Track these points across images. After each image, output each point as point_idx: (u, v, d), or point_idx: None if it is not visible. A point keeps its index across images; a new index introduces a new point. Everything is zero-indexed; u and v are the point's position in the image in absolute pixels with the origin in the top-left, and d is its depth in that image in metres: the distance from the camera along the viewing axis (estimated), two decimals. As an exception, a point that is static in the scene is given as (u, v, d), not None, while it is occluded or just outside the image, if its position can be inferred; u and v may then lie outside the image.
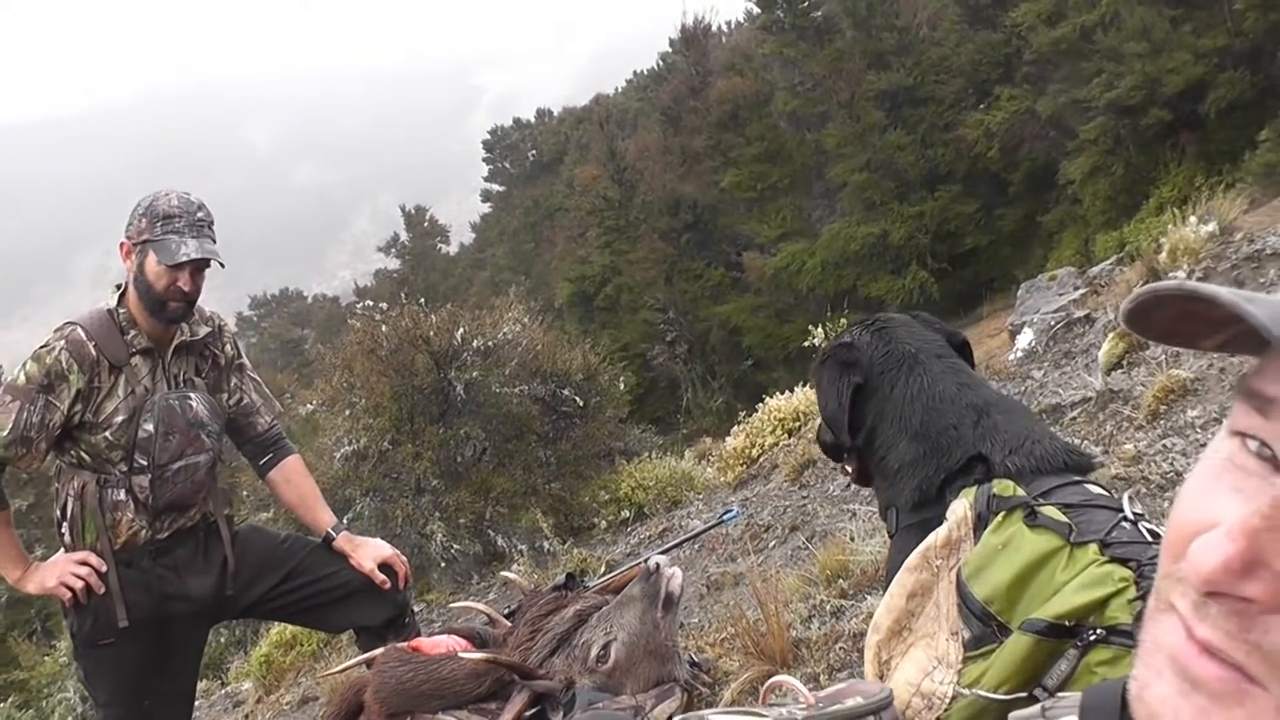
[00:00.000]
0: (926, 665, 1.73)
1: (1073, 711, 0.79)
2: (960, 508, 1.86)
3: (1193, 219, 6.40)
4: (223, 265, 3.07)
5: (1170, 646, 0.60)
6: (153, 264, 2.97)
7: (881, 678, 1.80)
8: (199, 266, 3.02)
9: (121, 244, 3.05)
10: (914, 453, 2.11)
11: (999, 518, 1.77)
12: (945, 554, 1.79)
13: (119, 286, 3.10)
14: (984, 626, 1.68)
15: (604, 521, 7.63)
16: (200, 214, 3.03)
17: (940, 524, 1.86)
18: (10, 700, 9.87)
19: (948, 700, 1.69)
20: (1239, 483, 0.59)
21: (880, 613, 1.86)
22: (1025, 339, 6.41)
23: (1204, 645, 0.57)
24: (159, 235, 2.97)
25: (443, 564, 7.30)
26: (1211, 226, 6.25)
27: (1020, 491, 1.82)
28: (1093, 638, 1.55)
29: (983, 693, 1.63)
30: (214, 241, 3.05)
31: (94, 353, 2.96)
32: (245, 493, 8.36)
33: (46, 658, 9.83)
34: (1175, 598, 0.61)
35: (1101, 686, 0.78)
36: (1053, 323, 6.28)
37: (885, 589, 1.91)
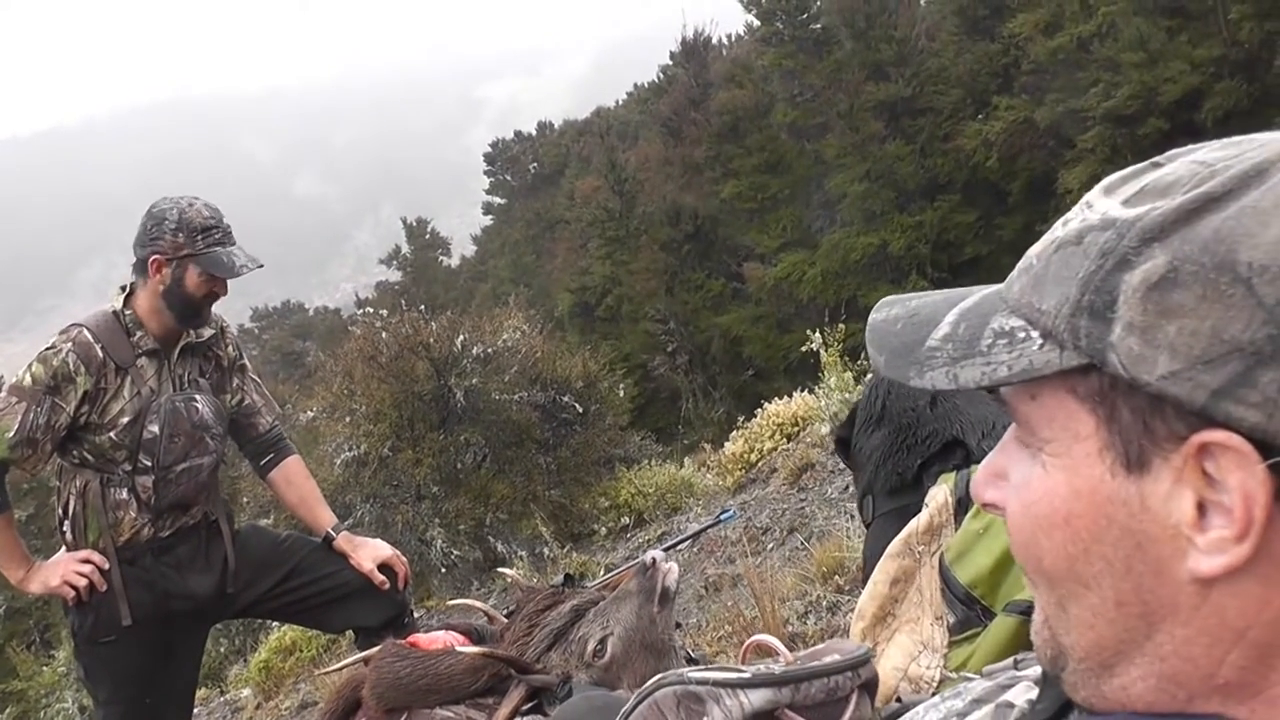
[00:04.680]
0: (912, 650, 1.76)
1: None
2: (940, 494, 1.89)
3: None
4: (261, 265, 3.16)
5: None
6: (194, 276, 3.01)
7: None
8: None
9: (153, 259, 3.01)
10: (880, 435, 2.16)
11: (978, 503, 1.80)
12: (927, 540, 1.83)
13: (123, 288, 3.12)
14: (968, 610, 1.71)
15: (604, 528, 7.66)
16: (227, 221, 3.10)
17: (919, 510, 1.90)
18: (8, 710, 9.86)
19: (935, 684, 1.71)
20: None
21: (864, 599, 1.88)
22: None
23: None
24: (202, 249, 3.01)
25: (443, 570, 7.33)
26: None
27: None
28: None
29: (971, 675, 1.66)
30: None
31: (101, 354, 2.98)
32: (245, 499, 8.38)
33: (45, 668, 9.81)
34: None
35: None
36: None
37: (866, 577, 1.94)
